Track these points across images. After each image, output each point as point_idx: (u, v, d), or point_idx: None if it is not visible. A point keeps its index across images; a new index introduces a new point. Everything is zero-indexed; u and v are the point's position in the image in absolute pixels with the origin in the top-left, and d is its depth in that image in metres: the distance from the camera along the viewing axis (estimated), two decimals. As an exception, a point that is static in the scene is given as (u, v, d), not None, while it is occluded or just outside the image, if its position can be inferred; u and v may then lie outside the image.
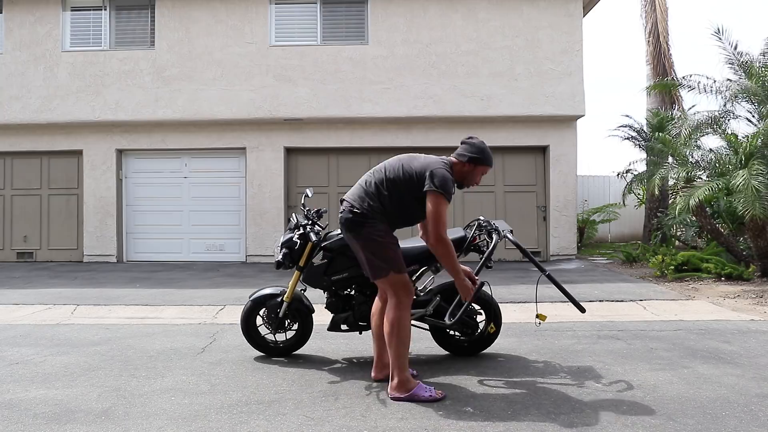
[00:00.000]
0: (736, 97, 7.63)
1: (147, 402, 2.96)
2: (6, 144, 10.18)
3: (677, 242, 10.96)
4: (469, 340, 3.74)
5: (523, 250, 3.16)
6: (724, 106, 7.84)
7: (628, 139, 11.49)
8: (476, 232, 3.44)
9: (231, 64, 9.74)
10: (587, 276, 7.77)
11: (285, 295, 3.64)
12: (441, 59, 9.67)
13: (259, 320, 3.77)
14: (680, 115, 10.41)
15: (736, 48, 7.83)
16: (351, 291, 3.61)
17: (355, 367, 3.55)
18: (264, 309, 3.73)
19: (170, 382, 3.29)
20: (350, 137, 9.92)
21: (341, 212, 3.06)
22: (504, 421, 2.67)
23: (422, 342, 4.02)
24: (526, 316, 5.02)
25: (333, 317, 3.64)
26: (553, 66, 9.63)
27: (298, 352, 3.82)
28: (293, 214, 3.84)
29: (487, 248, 3.21)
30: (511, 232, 3.29)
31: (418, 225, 3.37)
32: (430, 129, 9.81)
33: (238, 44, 9.76)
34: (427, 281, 3.69)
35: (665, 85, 11.02)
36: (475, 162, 3.08)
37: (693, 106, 11.69)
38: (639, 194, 12.70)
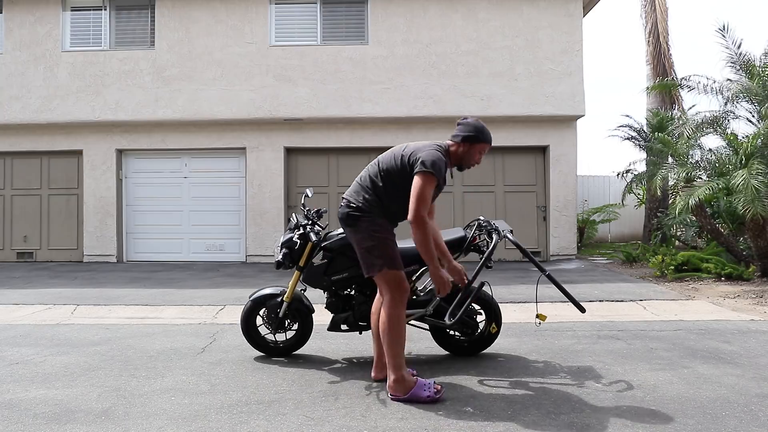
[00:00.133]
0: (736, 97, 7.63)
1: (147, 402, 2.96)
2: (6, 144, 10.18)
3: (677, 242, 10.96)
4: (469, 340, 3.74)
5: (523, 250, 3.16)
6: (725, 105, 7.84)
7: (628, 139, 11.49)
8: (476, 232, 3.44)
9: (231, 64, 9.74)
10: (587, 276, 7.77)
11: (285, 295, 3.64)
12: (441, 59, 9.67)
13: (259, 320, 3.76)
14: (680, 115, 10.42)
15: (739, 47, 7.83)
16: (351, 291, 3.61)
17: (355, 367, 3.55)
18: (264, 309, 3.72)
19: (170, 382, 3.29)
20: (350, 137, 9.92)
21: (339, 208, 3.07)
22: (504, 421, 2.67)
23: (422, 342, 4.02)
24: (526, 316, 5.01)
25: (333, 317, 3.63)
26: (553, 66, 9.63)
27: (298, 352, 3.81)
28: (293, 214, 3.84)
29: (487, 248, 3.21)
30: (511, 232, 3.29)
31: None
32: (430, 129, 9.81)
33: (238, 44, 9.76)
34: (427, 281, 3.69)
35: (665, 85, 11.03)
36: (470, 141, 3.03)
37: (693, 106, 11.74)
38: (639, 194, 12.71)
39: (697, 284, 6.97)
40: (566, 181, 9.87)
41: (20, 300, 6.16)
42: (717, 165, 7.63)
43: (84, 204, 10.11)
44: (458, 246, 3.46)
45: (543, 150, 10.06)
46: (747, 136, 7.61)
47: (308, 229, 3.59)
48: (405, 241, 3.28)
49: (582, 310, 3.12)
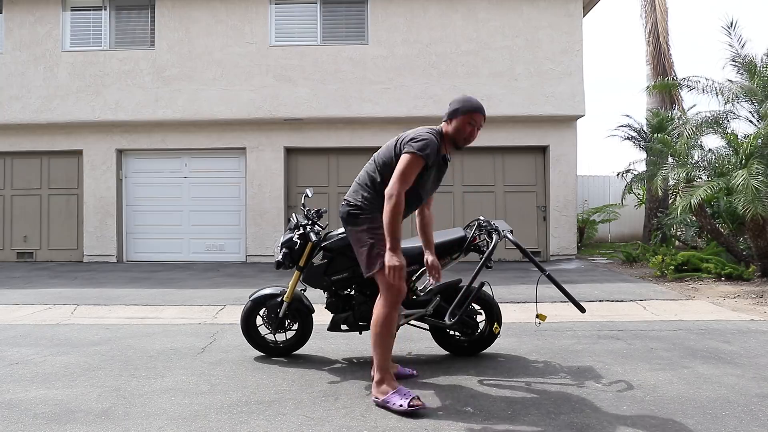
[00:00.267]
0: (737, 97, 7.63)
1: (147, 402, 2.96)
2: (6, 144, 10.18)
3: (677, 242, 10.97)
4: (469, 340, 3.74)
5: (523, 250, 3.16)
6: (725, 105, 7.84)
7: (628, 139, 11.50)
8: (476, 232, 3.43)
9: (231, 64, 9.74)
10: (587, 276, 7.77)
11: (285, 295, 3.63)
12: (441, 59, 9.67)
13: (259, 320, 3.76)
14: (680, 115, 10.42)
15: (743, 45, 7.83)
16: (351, 291, 3.60)
17: (355, 367, 3.55)
18: (264, 309, 3.72)
19: (170, 382, 3.29)
20: (350, 137, 9.92)
21: (340, 208, 3.08)
22: (504, 421, 2.67)
23: (422, 342, 4.02)
24: (526, 316, 5.01)
25: (333, 317, 3.63)
26: (553, 66, 9.63)
27: (298, 352, 3.81)
28: (293, 214, 3.84)
29: (487, 248, 3.21)
30: (511, 232, 3.29)
31: (417, 225, 3.36)
32: (430, 129, 9.80)
33: (238, 44, 9.76)
34: (427, 281, 3.69)
35: (665, 86, 11.02)
36: (455, 114, 2.98)
37: (693, 106, 11.74)
38: (639, 194, 12.71)
39: (697, 284, 6.97)
40: (566, 181, 9.87)
41: (20, 300, 6.16)
42: (717, 165, 7.63)
43: (84, 204, 10.11)
44: (458, 246, 3.46)
45: (543, 150, 10.06)
46: (747, 136, 7.61)
47: (308, 229, 3.59)
48: (405, 241, 3.28)
49: (582, 310, 3.11)
